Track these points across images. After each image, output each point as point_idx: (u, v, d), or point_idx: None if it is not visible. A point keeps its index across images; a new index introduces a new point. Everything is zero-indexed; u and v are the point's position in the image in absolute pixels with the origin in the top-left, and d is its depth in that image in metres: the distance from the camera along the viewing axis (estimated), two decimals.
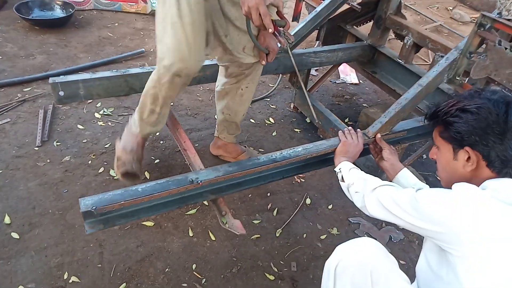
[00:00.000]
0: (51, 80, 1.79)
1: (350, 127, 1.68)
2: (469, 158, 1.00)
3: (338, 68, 3.42)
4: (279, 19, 1.47)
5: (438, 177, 1.15)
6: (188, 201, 1.48)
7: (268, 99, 2.84)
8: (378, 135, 1.68)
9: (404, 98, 1.77)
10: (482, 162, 0.98)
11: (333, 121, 2.28)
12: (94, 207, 1.22)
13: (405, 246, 1.86)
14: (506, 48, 1.55)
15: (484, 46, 1.68)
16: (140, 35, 3.43)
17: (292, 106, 2.77)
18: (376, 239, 1.90)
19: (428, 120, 1.14)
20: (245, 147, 2.27)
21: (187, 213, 1.84)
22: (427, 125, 1.16)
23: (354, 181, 1.32)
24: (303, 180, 2.16)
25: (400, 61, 2.47)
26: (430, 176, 2.36)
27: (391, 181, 1.46)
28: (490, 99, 0.98)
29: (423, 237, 1.15)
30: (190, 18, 1.41)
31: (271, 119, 2.62)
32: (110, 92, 1.97)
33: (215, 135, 2.16)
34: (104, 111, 2.41)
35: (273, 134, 2.49)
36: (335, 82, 3.23)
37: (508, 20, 1.54)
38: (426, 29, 4.63)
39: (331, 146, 1.67)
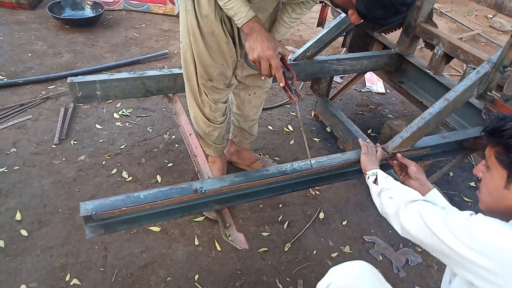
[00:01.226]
0: (69, 80, 1.81)
1: (368, 140, 1.59)
2: None
3: (364, 76, 3.31)
4: (286, 70, 1.42)
5: (477, 196, 1.01)
6: (192, 210, 1.43)
7: (289, 106, 2.77)
8: (399, 155, 1.57)
9: (428, 113, 1.66)
10: None
11: (354, 132, 2.18)
12: (94, 212, 1.20)
13: (422, 271, 1.73)
14: None
15: None
16: (165, 37, 3.46)
17: (313, 114, 2.68)
18: (391, 260, 1.81)
19: (488, 135, 0.98)
20: (260, 155, 2.22)
21: (195, 219, 1.81)
22: (483, 137, 1.01)
23: (391, 186, 1.20)
24: (318, 193, 2.08)
25: (429, 71, 2.34)
26: (456, 196, 2.21)
27: None
28: None
29: (445, 271, 1.04)
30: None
31: (290, 127, 2.55)
32: (126, 93, 1.97)
33: (229, 138, 2.12)
34: (123, 112, 2.43)
35: (291, 143, 2.42)
36: (360, 90, 3.11)
37: None
38: (462, 38, 4.41)
39: (345, 160, 1.59)
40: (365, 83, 3.20)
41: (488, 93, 1.67)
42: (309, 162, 1.50)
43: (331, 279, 1.05)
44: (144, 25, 3.62)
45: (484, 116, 1.70)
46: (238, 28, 1.53)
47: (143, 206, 1.28)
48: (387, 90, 3.14)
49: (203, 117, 1.74)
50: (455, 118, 2.17)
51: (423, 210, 1.00)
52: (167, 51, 3.15)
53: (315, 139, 2.49)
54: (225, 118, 1.80)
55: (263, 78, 1.65)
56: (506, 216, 0.89)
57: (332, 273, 1.08)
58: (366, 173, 1.38)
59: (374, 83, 3.21)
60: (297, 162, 1.54)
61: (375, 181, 1.29)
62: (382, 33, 2.69)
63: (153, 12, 3.84)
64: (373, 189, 1.27)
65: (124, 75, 1.93)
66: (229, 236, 1.43)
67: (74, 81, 1.82)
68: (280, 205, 1.97)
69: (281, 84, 1.37)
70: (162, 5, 3.83)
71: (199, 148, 1.76)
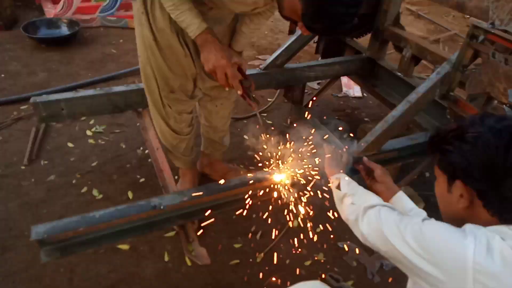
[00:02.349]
0: (32, 100, 1.80)
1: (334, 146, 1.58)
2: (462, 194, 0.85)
3: (341, 81, 3.32)
4: (244, 79, 1.43)
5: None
6: (154, 227, 1.41)
7: (265, 114, 2.77)
8: (365, 158, 1.55)
9: (391, 116, 1.66)
10: (477, 201, 0.82)
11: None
12: (46, 236, 1.18)
13: (397, 275, 1.71)
14: (500, 61, 1.42)
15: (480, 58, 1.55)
16: None
17: (288, 121, 2.68)
18: (366, 265, 1.78)
19: (428, 146, 0.98)
20: (234, 165, 2.20)
21: (166, 235, 1.78)
22: (429, 151, 0.98)
23: (353, 192, 1.18)
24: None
25: (399, 74, 2.34)
26: (431, 196, 2.19)
27: None
28: (492, 127, 0.80)
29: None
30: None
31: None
32: (93, 111, 1.96)
33: (201, 150, 2.10)
34: (96, 129, 2.41)
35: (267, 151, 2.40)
36: (337, 95, 3.11)
37: (502, 30, 1.40)
38: (439, 38, 4.45)
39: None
40: (342, 88, 3.20)
41: (450, 93, 1.67)
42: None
43: None
44: (121, 40, 3.62)
45: (448, 116, 1.70)
46: None
47: (99, 226, 1.26)
48: (364, 94, 3.15)
49: (169, 130, 1.72)
50: (428, 119, 2.17)
51: (380, 216, 0.98)
52: None
53: None
54: (191, 129, 1.79)
55: (227, 88, 1.64)
56: (459, 222, 0.87)
57: None
58: (330, 178, 1.37)
59: (351, 87, 3.21)
60: (260, 172, 1.53)
61: (338, 186, 1.28)
62: (354, 38, 2.70)
63: (131, 27, 3.84)
64: (336, 195, 1.24)
65: (90, 92, 1.92)
66: (192, 251, 1.40)
67: (38, 101, 1.81)
68: (254, 215, 1.94)
69: (239, 92, 1.39)
70: None
71: (165, 163, 1.74)
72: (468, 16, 4.81)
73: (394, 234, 0.90)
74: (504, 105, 1.60)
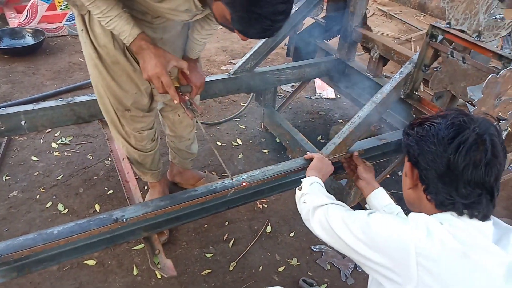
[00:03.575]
0: None
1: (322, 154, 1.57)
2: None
3: (315, 83, 3.33)
4: (184, 85, 1.38)
5: None
6: (117, 240, 1.36)
7: (238, 119, 2.74)
8: (355, 153, 1.57)
9: (358, 117, 1.66)
10: (420, 185, 0.87)
11: (299, 141, 2.17)
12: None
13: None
14: (459, 60, 1.44)
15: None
16: None
17: (262, 125, 2.66)
18: (339, 268, 1.77)
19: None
20: (206, 172, 2.16)
21: (134, 248, 1.73)
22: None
23: (309, 191, 1.19)
24: (265, 206, 2.04)
25: (369, 74, 2.36)
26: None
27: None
28: (447, 120, 0.84)
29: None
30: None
31: (238, 141, 2.52)
32: (55, 122, 1.89)
33: (169, 160, 2.06)
34: (62, 141, 2.33)
35: (239, 157, 2.38)
36: (310, 98, 3.12)
37: (458, 30, 1.42)
38: (411, 38, 4.54)
39: (279, 171, 1.56)
40: (315, 90, 3.21)
41: (414, 92, 1.68)
42: (230, 179, 1.44)
43: None
44: None
45: (413, 115, 1.71)
46: None
47: (57, 243, 1.20)
48: (338, 96, 3.17)
49: (131, 148, 1.66)
50: (399, 119, 2.18)
51: (328, 213, 1.01)
52: None
53: (265, 151, 2.46)
54: (155, 143, 1.73)
55: (176, 102, 1.57)
56: (415, 206, 0.92)
57: None
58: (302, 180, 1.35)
59: (325, 89, 3.23)
60: (228, 179, 1.50)
61: (301, 187, 1.27)
62: (324, 40, 2.71)
63: None
64: (296, 196, 1.24)
65: (51, 103, 1.85)
66: (158, 263, 1.36)
67: None
68: (226, 223, 1.91)
69: (175, 102, 1.31)
70: None
71: (131, 173, 1.69)
72: None
73: (342, 230, 0.93)
74: (467, 103, 1.63)
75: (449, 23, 1.44)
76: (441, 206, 0.84)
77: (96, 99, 1.90)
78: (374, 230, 0.84)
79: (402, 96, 1.70)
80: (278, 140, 2.54)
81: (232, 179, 1.44)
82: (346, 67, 2.55)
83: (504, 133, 1.56)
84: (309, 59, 2.61)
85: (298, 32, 2.71)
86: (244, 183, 1.47)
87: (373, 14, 5.30)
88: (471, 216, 0.80)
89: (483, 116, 0.86)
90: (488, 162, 0.77)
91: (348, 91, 2.51)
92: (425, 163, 0.83)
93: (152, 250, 1.39)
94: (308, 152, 1.62)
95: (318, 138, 2.63)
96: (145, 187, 2.04)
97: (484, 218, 0.80)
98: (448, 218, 0.81)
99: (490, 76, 1.24)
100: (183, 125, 1.80)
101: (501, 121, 1.52)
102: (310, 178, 1.27)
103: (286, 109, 2.88)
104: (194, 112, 1.35)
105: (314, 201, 1.09)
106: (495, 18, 1.41)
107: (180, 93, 1.36)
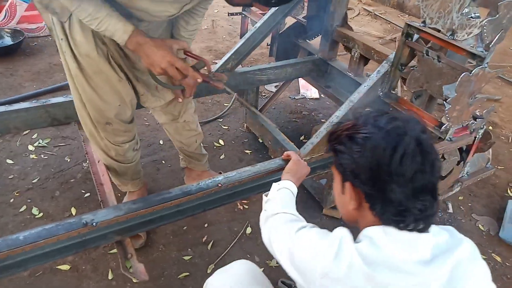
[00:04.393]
0: None
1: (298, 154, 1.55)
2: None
3: (299, 83, 3.32)
4: (195, 62, 1.36)
5: None
6: (88, 244, 1.32)
7: (221, 120, 2.72)
8: (286, 153, 1.53)
9: (335, 116, 1.65)
10: (365, 203, 0.80)
11: (281, 141, 2.15)
12: None
13: None
14: (434, 59, 1.43)
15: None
16: None
17: (245, 126, 2.64)
18: None
19: (327, 145, 0.93)
20: (220, 172, 2.14)
21: (110, 251, 1.69)
22: (327, 150, 1.01)
23: (273, 198, 1.15)
24: (246, 207, 2.02)
25: (350, 74, 2.36)
26: None
27: None
28: (382, 128, 0.77)
29: None
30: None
31: (220, 141, 2.49)
32: (30, 124, 1.84)
33: (183, 166, 2.03)
34: (39, 143, 2.28)
35: (221, 157, 2.36)
36: (294, 98, 3.11)
37: (433, 29, 1.42)
38: (395, 38, 4.56)
39: (256, 172, 1.54)
40: (299, 90, 3.21)
41: (392, 92, 1.68)
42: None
43: (211, 278, 1.15)
44: None
45: None
46: (130, 60, 1.42)
47: (23, 249, 1.17)
48: (322, 95, 3.16)
49: (112, 161, 1.62)
50: None
51: (273, 223, 1.00)
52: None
53: (247, 151, 2.44)
54: (137, 153, 1.69)
55: (180, 100, 1.56)
56: (354, 221, 0.87)
57: (215, 273, 1.17)
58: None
59: (309, 89, 3.22)
60: (204, 180, 1.48)
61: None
62: (307, 40, 2.70)
63: None
64: (263, 201, 1.21)
65: (24, 105, 1.80)
66: (130, 268, 1.33)
67: None
68: (206, 225, 1.89)
69: (199, 80, 1.32)
70: None
71: (106, 176, 1.66)
72: None
73: (277, 244, 0.93)
74: (444, 101, 1.63)
75: (424, 22, 1.44)
76: (387, 220, 0.77)
77: (72, 100, 1.87)
78: (296, 247, 0.84)
79: (380, 95, 1.69)
80: (260, 140, 2.52)
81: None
82: (328, 66, 2.54)
83: (481, 132, 1.57)
84: (292, 59, 2.61)
85: (280, 32, 2.70)
86: (219, 185, 1.45)
87: (358, 14, 5.32)
88: (412, 229, 0.74)
89: (407, 113, 0.82)
90: (432, 162, 0.74)
91: (330, 91, 2.50)
92: (367, 180, 0.77)
93: (124, 254, 1.36)
94: (285, 153, 1.60)
95: (301, 138, 2.62)
96: (121, 192, 2.00)
97: (424, 228, 0.75)
98: (380, 233, 0.76)
99: (463, 74, 1.24)
100: (186, 129, 1.77)
101: (477, 119, 1.52)
102: (281, 183, 1.23)
103: (270, 109, 2.87)
104: (222, 79, 1.38)
105: (271, 209, 1.06)
106: (471, 17, 1.41)
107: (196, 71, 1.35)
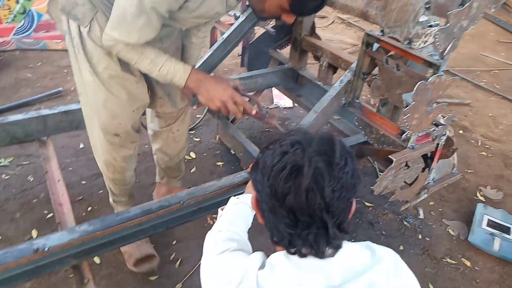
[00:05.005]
0: None
1: None
2: None
3: (273, 92, 3.32)
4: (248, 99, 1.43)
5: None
6: (42, 271, 1.26)
7: (193, 132, 2.68)
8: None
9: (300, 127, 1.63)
10: (261, 218, 0.81)
11: (252, 152, 2.11)
12: None
13: None
14: (393, 67, 1.44)
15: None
16: (63, 74, 3.25)
17: (217, 137, 2.61)
18: None
19: None
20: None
21: (71, 276, 1.62)
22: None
23: (224, 213, 1.12)
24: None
25: (319, 83, 2.36)
26: (357, 202, 2.20)
27: None
28: (282, 144, 0.73)
29: None
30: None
31: (192, 154, 2.45)
32: None
33: (157, 181, 1.98)
34: (0, 162, 2.19)
35: (192, 171, 2.31)
36: (268, 107, 3.10)
37: (391, 38, 1.43)
38: None
39: (221, 187, 1.51)
40: (273, 99, 3.20)
41: (356, 101, 1.68)
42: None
43: None
44: (40, 63, 3.39)
45: (356, 123, 1.71)
46: None
47: None
48: (295, 104, 3.16)
49: (109, 179, 1.64)
50: (351, 127, 2.18)
51: (209, 242, 0.99)
52: (61, 89, 2.95)
53: (219, 163, 2.40)
54: (134, 173, 1.71)
55: (195, 107, 1.58)
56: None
57: None
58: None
59: (282, 98, 3.21)
60: (166, 198, 1.43)
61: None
62: (278, 49, 2.70)
63: (51, 49, 3.61)
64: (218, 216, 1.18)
65: None
66: None
67: None
68: (174, 242, 1.84)
69: (253, 112, 1.38)
70: (60, 40, 3.63)
71: (65, 196, 1.59)
72: None
73: (202, 265, 0.94)
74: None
75: (382, 31, 1.44)
76: (279, 242, 0.75)
77: (31, 118, 1.82)
78: (211, 270, 0.86)
79: (345, 105, 1.69)
80: (233, 152, 2.49)
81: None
82: (298, 76, 2.54)
83: (443, 138, 1.57)
84: (262, 69, 2.60)
85: (250, 42, 2.70)
86: (181, 202, 1.41)
87: (332, 22, 5.39)
88: (307, 254, 0.71)
89: (326, 133, 0.75)
90: (308, 188, 0.67)
91: (301, 100, 2.50)
92: (259, 195, 0.77)
93: (80, 279, 1.30)
94: (251, 165, 1.58)
95: None
96: (89, 208, 1.94)
97: (320, 254, 0.71)
98: (282, 259, 0.74)
99: (419, 83, 1.24)
100: (175, 141, 1.75)
101: (438, 126, 1.53)
102: (240, 197, 1.20)
103: (243, 119, 2.84)
104: (273, 117, 1.49)
105: (217, 226, 1.04)
106: (429, 26, 1.43)
107: None
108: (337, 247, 0.72)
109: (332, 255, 0.72)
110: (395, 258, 0.77)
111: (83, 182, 2.11)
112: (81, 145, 2.36)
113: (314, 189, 0.67)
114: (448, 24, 1.17)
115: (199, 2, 1.17)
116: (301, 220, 0.69)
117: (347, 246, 0.74)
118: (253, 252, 0.93)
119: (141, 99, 1.43)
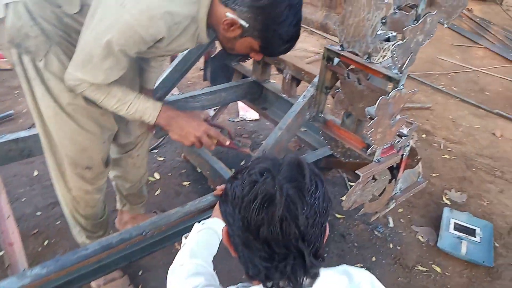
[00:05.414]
0: None
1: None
2: None
3: (238, 105, 3.28)
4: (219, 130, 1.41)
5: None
6: None
7: (157, 150, 2.58)
8: (219, 188, 1.45)
9: (265, 145, 1.60)
10: (234, 252, 0.79)
11: (219, 170, 2.05)
12: None
13: None
14: (354, 81, 1.43)
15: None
16: (13, 95, 3.06)
17: (182, 155, 2.53)
18: None
19: None
20: (155, 212, 2.00)
21: None
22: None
23: (187, 242, 1.06)
24: None
25: (283, 95, 2.34)
26: None
27: None
28: (251, 173, 0.72)
29: None
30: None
31: (156, 175, 2.35)
32: None
33: (118, 208, 1.88)
34: None
35: (156, 193, 2.22)
36: (233, 120, 3.05)
37: (351, 52, 1.42)
38: None
39: (185, 213, 1.44)
40: (238, 112, 3.16)
41: (320, 115, 1.66)
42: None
43: None
44: None
45: (322, 138, 1.69)
46: None
47: None
48: (261, 116, 3.13)
49: (80, 216, 1.53)
50: (318, 139, 2.17)
51: (172, 279, 0.93)
52: (13, 111, 2.77)
53: (185, 183, 2.32)
54: (106, 208, 1.64)
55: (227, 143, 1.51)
56: None
57: None
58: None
59: (248, 110, 3.18)
60: (127, 229, 1.34)
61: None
62: (240, 62, 2.67)
63: (0, 68, 3.41)
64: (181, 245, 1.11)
65: None
66: None
67: None
68: (140, 272, 1.74)
69: (227, 143, 1.37)
70: None
71: (16, 234, 1.46)
72: None
73: None
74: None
75: (342, 46, 1.44)
76: (255, 277, 0.74)
77: None
78: None
79: (310, 120, 1.67)
80: (199, 170, 2.42)
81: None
82: (263, 89, 2.52)
83: (407, 149, 1.59)
84: (225, 83, 2.55)
85: (212, 56, 2.65)
86: (143, 233, 1.32)
87: None
88: (285, 287, 0.69)
89: (294, 157, 0.73)
90: (282, 218, 0.66)
91: (267, 113, 2.48)
92: (230, 229, 0.74)
93: None
94: (217, 187, 1.52)
95: (241, 163, 2.55)
96: (45, 242, 1.81)
97: (298, 286, 0.69)
98: None
99: (380, 98, 1.24)
100: (136, 166, 1.67)
101: (402, 137, 1.54)
102: (206, 222, 1.15)
103: None
104: (246, 145, 1.47)
105: (179, 259, 0.98)
106: (386, 39, 1.44)
107: None
108: (315, 276, 0.71)
109: (310, 285, 0.71)
110: (371, 281, 0.77)
111: (38, 213, 1.97)
112: (35, 173, 2.21)
113: (288, 218, 0.66)
114: (405, 40, 1.18)
115: (168, 42, 1.15)
116: (277, 251, 0.68)
117: (324, 274, 0.73)
118: (219, 283, 0.89)
119: (110, 128, 1.38)
